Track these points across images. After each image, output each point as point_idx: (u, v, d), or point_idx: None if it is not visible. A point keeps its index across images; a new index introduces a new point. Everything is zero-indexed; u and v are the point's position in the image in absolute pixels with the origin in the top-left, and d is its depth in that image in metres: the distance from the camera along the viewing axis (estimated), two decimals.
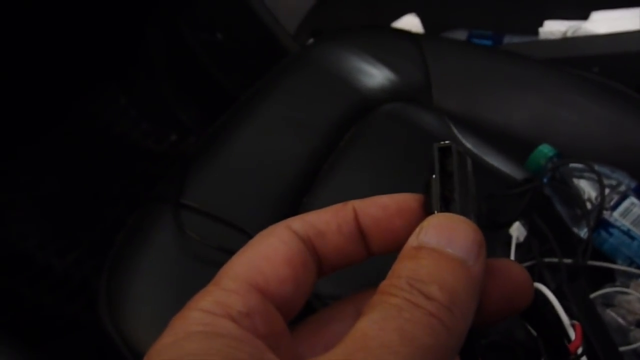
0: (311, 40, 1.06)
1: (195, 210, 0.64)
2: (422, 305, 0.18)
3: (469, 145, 0.72)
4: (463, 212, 0.20)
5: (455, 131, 0.73)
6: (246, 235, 0.62)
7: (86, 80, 1.11)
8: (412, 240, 0.19)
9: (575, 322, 0.47)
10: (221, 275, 0.20)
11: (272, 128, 0.72)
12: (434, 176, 0.21)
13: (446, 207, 0.20)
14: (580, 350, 0.46)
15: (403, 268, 0.19)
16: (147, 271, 0.61)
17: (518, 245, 0.61)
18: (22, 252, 0.98)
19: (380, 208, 0.22)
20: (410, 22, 1.14)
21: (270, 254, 0.21)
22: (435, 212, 0.20)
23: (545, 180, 0.64)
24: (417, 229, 0.19)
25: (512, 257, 0.59)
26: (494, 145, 0.72)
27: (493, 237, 0.63)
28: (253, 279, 0.20)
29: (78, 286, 0.96)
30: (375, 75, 0.78)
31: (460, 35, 1.15)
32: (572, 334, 0.45)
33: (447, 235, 0.19)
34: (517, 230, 0.61)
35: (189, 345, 0.18)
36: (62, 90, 1.07)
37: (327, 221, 0.22)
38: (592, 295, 0.57)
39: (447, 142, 0.21)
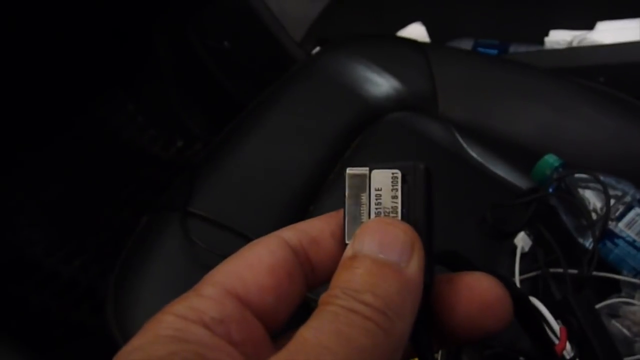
0: (317, 49, 1.07)
1: (203, 219, 0.64)
2: (357, 310, 0.18)
3: (474, 154, 0.73)
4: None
5: (461, 140, 0.73)
6: None
7: (94, 86, 1.11)
8: (348, 250, 0.20)
9: (562, 325, 0.47)
10: (203, 281, 0.21)
11: (278, 137, 0.73)
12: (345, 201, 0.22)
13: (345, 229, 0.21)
14: (571, 354, 0.46)
15: (339, 279, 0.19)
16: (154, 278, 0.61)
17: (523, 255, 0.61)
18: (29, 257, 0.98)
19: None
20: (416, 31, 1.15)
21: (254, 262, 0.21)
22: (345, 238, 0.21)
23: (550, 190, 0.64)
24: (352, 238, 0.20)
25: (517, 267, 0.59)
26: (499, 154, 0.72)
27: (498, 247, 0.64)
28: (232, 287, 0.20)
29: (85, 292, 0.96)
30: (381, 84, 0.78)
31: (466, 44, 1.15)
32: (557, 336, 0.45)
33: (378, 241, 0.19)
34: (522, 241, 0.61)
35: (155, 349, 0.18)
36: (69, 96, 1.07)
37: (320, 228, 0.22)
38: (598, 306, 0.57)
39: (353, 169, 0.22)
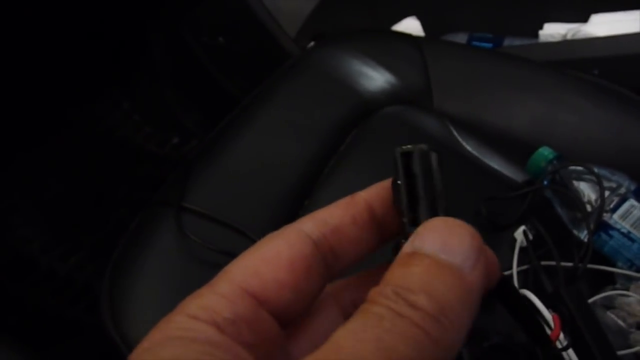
0: (312, 44, 1.06)
1: (197, 214, 0.64)
2: (406, 315, 0.16)
3: (469, 147, 0.73)
4: (432, 214, 0.20)
5: (456, 134, 0.73)
6: (247, 238, 0.62)
7: (89, 85, 1.11)
8: (407, 247, 0.18)
9: (554, 313, 0.47)
10: (219, 276, 0.20)
11: (273, 132, 0.73)
12: (399, 182, 0.21)
13: (414, 211, 0.20)
14: (565, 343, 0.46)
15: (393, 275, 0.18)
16: (150, 274, 0.61)
17: (522, 248, 0.61)
18: (25, 256, 0.98)
19: (385, 189, 0.22)
20: (410, 25, 1.15)
21: (271, 257, 0.20)
22: (405, 220, 0.20)
23: (545, 182, 0.64)
24: (412, 235, 0.19)
25: (515, 260, 0.59)
26: (494, 147, 0.72)
27: (493, 240, 0.64)
28: (248, 283, 0.19)
29: (81, 289, 0.96)
30: (376, 78, 0.78)
31: (461, 38, 1.15)
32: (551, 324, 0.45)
33: (442, 241, 0.18)
34: (521, 235, 0.61)
35: (163, 351, 0.17)
36: (65, 95, 1.07)
37: (340, 216, 0.22)
38: (593, 298, 0.57)
39: (409, 146, 0.21)
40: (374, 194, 0.22)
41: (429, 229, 0.19)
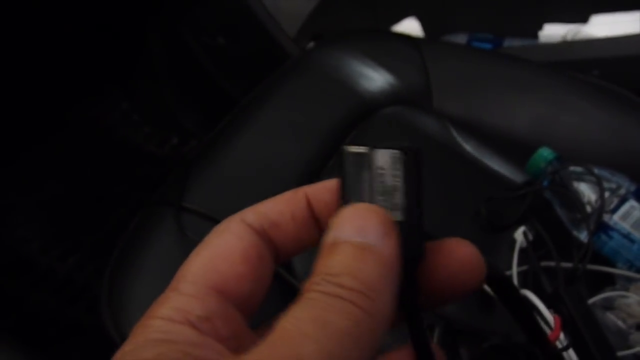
0: (312, 44, 1.06)
1: (197, 213, 0.64)
2: (336, 294, 0.18)
3: (469, 148, 0.73)
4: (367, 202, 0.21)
5: (455, 134, 0.73)
6: None
7: (88, 84, 1.11)
8: (327, 238, 0.20)
9: (555, 314, 0.47)
10: (179, 278, 0.21)
11: (272, 132, 0.73)
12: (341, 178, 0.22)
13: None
14: (564, 343, 0.47)
15: (319, 266, 0.19)
16: (149, 274, 0.61)
17: (522, 249, 0.61)
18: (24, 255, 0.98)
19: (329, 192, 0.23)
20: (410, 26, 1.15)
21: (226, 252, 0.21)
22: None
23: (545, 183, 0.64)
24: (329, 227, 0.20)
25: (515, 261, 0.59)
26: (494, 148, 0.72)
27: (493, 240, 0.64)
28: (211, 280, 0.20)
29: (80, 289, 0.96)
30: (376, 79, 0.78)
31: (460, 38, 1.16)
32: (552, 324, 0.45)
33: (353, 225, 0.20)
34: (521, 235, 0.61)
35: (144, 352, 0.18)
36: (64, 94, 1.07)
37: (280, 211, 0.23)
38: (593, 299, 0.57)
39: (352, 147, 0.22)
40: (317, 190, 0.23)
41: (342, 218, 0.20)
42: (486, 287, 0.55)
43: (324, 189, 0.23)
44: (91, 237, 1.00)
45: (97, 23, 1.05)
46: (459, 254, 0.22)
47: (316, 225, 0.23)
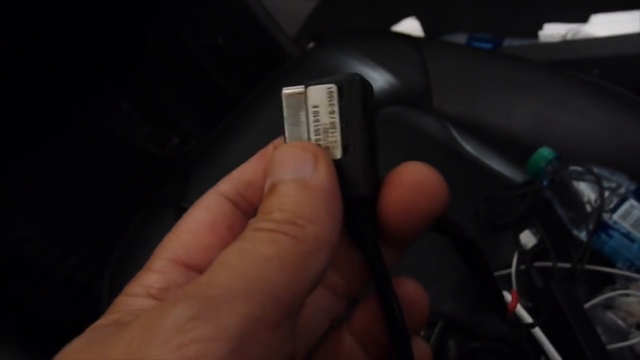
0: (311, 44, 1.06)
1: None
2: (262, 227, 0.19)
3: (469, 148, 0.73)
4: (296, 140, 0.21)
5: (455, 134, 0.73)
6: None
7: (88, 85, 1.11)
8: (265, 187, 0.21)
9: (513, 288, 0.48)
10: (152, 256, 0.22)
11: (272, 132, 0.72)
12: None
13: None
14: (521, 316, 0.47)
15: (259, 210, 0.20)
16: None
17: (522, 250, 0.61)
18: (25, 256, 0.98)
19: None
20: (410, 26, 1.15)
21: (192, 226, 0.22)
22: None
23: (545, 182, 0.64)
24: (267, 176, 0.21)
25: (515, 261, 0.59)
26: (494, 148, 0.72)
27: (495, 239, 0.64)
28: (177, 255, 0.21)
29: (80, 289, 0.96)
30: (376, 79, 0.78)
31: (460, 38, 1.16)
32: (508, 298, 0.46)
33: (281, 165, 0.20)
34: (526, 237, 0.62)
35: (103, 321, 0.20)
36: (64, 95, 1.07)
37: (252, 170, 0.23)
38: (593, 300, 0.57)
39: (289, 89, 0.21)
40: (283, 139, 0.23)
41: (271, 162, 0.21)
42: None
43: None
44: (91, 237, 1.01)
45: (97, 23, 1.05)
46: (408, 174, 0.21)
47: None
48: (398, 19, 1.16)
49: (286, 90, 0.21)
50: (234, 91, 1.09)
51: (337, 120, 0.21)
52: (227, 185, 0.23)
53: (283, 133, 0.22)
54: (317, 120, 0.21)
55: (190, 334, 0.16)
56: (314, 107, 0.21)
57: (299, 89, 0.21)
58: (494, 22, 1.15)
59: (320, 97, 0.21)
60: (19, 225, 1.01)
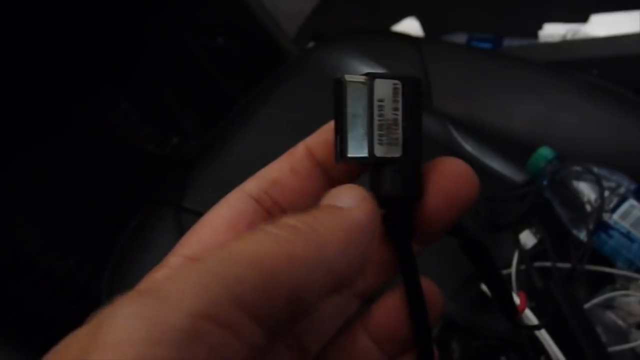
0: (311, 44, 1.06)
1: (197, 214, 0.64)
2: (263, 227, 0.18)
3: (469, 148, 0.73)
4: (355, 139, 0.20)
5: (455, 134, 0.73)
6: None
7: (88, 85, 1.11)
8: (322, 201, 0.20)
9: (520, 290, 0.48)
10: (169, 254, 0.21)
11: (272, 132, 0.73)
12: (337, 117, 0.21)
13: (341, 143, 0.20)
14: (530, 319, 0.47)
15: None
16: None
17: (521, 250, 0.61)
18: (24, 256, 0.98)
19: (329, 133, 0.22)
20: (410, 26, 1.15)
21: (212, 222, 0.21)
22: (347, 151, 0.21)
23: (545, 182, 0.64)
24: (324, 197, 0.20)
25: (515, 261, 0.59)
26: (494, 148, 0.72)
27: (495, 239, 0.64)
28: (193, 252, 0.21)
29: (80, 290, 0.96)
30: None
31: (460, 38, 1.15)
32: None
33: (335, 194, 0.20)
34: (525, 237, 0.61)
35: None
36: (63, 95, 1.07)
37: (279, 168, 0.22)
38: (593, 300, 0.57)
39: (350, 76, 0.21)
40: (317, 137, 0.23)
41: (330, 192, 0.20)
42: (483, 287, 0.55)
43: (323, 133, 0.22)
44: (91, 237, 1.00)
45: (96, 23, 1.05)
46: (453, 168, 0.21)
47: (324, 173, 0.22)
48: (398, 19, 1.16)
49: (350, 78, 0.20)
50: (234, 90, 1.09)
51: (399, 117, 0.20)
52: (252, 183, 0.22)
53: (338, 122, 0.20)
54: (381, 115, 0.20)
55: (132, 336, 0.15)
56: (380, 101, 0.20)
57: (362, 78, 0.20)
58: (494, 22, 1.15)
59: (386, 91, 0.20)
60: (17, 225, 1.01)
